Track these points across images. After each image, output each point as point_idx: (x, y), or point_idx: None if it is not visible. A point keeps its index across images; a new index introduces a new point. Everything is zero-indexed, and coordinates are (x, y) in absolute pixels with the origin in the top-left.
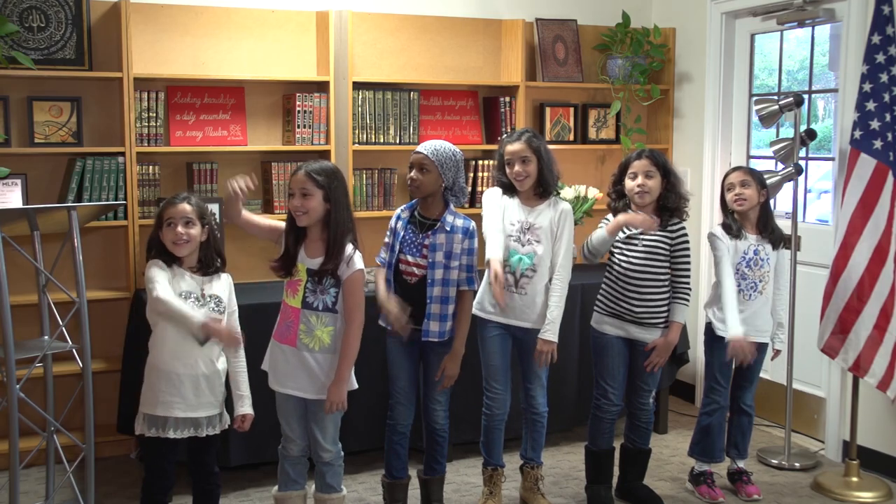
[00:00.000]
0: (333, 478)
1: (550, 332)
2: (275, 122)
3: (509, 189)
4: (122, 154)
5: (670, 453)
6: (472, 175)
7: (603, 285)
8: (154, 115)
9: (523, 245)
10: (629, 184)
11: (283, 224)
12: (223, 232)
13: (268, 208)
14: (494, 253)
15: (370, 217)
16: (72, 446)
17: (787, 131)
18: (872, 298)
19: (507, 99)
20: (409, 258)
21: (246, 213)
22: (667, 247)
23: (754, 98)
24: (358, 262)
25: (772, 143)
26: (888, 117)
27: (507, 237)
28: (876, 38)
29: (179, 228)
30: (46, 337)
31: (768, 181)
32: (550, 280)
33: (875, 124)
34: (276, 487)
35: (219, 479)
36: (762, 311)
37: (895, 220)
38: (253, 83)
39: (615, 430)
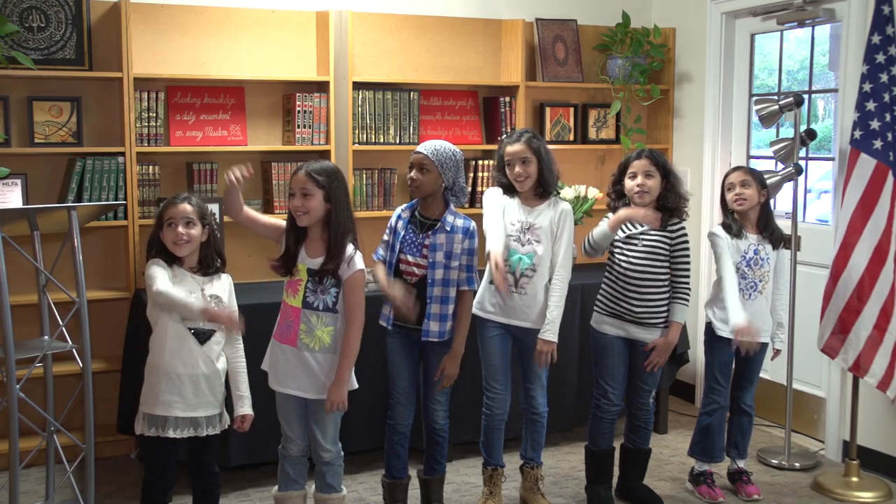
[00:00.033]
0: (333, 478)
1: (550, 332)
2: (275, 122)
3: (509, 189)
4: (122, 154)
5: (670, 453)
6: (472, 175)
7: (603, 285)
8: (154, 115)
9: (523, 245)
10: (629, 184)
11: (284, 223)
12: (223, 232)
13: (268, 208)
14: (495, 246)
15: (370, 217)
16: (72, 446)
17: (787, 131)
18: (872, 298)
19: (507, 99)
20: (410, 258)
21: (247, 210)
22: (667, 247)
23: (754, 98)
24: (359, 262)
25: (772, 143)
26: (888, 117)
27: (507, 237)
28: (876, 38)
29: (180, 229)
30: (46, 337)
31: (768, 181)
32: (550, 280)
33: (875, 124)
34: (276, 487)
35: (219, 479)
36: (762, 311)
37: (895, 220)
38: (253, 83)
39: (615, 430)
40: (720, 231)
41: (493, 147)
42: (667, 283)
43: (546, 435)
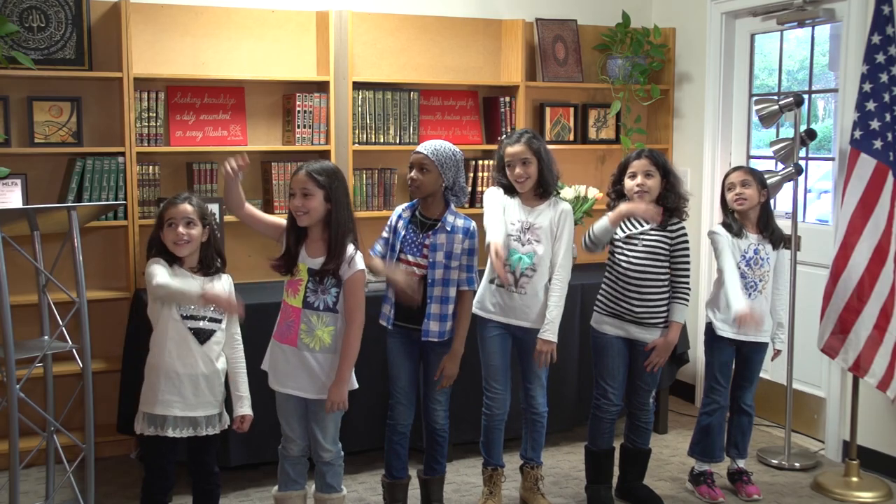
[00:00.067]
0: (333, 478)
1: (550, 332)
2: (275, 122)
3: (509, 190)
4: (122, 154)
5: (670, 453)
6: (472, 175)
7: (603, 285)
8: (154, 115)
9: (523, 245)
10: (628, 183)
11: (286, 221)
12: (223, 232)
13: (268, 208)
14: (496, 237)
15: (370, 217)
16: (72, 446)
17: (787, 131)
18: (872, 298)
19: (507, 99)
20: (410, 258)
21: (249, 207)
22: (667, 247)
23: (754, 98)
24: (359, 262)
25: (772, 143)
26: (888, 117)
27: (507, 236)
28: (876, 38)
29: (180, 229)
30: (46, 337)
31: (768, 181)
32: (550, 280)
33: (875, 124)
34: (276, 487)
35: (219, 479)
36: (762, 311)
37: (895, 220)
38: (253, 83)
39: (615, 430)
40: (720, 229)
41: (493, 147)
42: (667, 283)
43: (546, 435)
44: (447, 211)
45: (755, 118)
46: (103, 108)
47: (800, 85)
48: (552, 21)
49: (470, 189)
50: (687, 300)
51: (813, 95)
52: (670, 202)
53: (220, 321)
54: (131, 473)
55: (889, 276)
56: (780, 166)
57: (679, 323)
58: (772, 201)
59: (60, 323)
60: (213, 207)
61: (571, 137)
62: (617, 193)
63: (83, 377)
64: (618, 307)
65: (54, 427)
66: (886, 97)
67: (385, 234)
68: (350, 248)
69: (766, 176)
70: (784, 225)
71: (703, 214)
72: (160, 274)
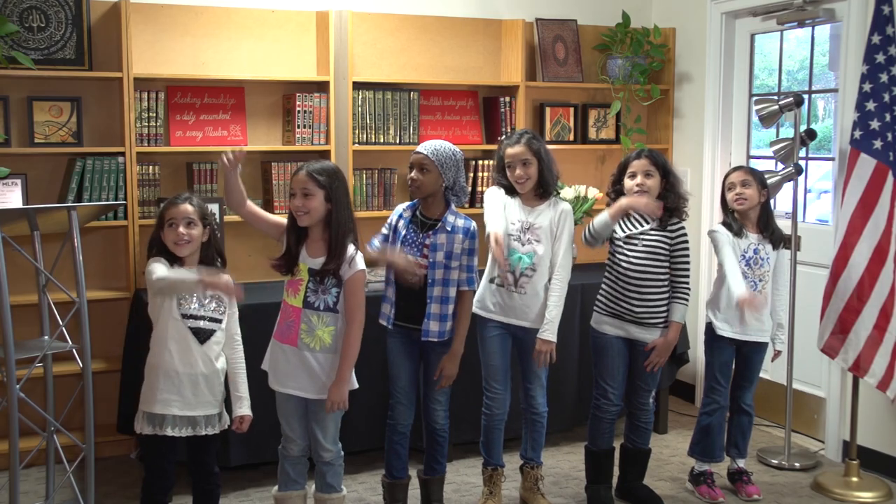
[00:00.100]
0: (334, 478)
1: (549, 332)
2: (275, 122)
3: (509, 191)
4: (122, 154)
5: (670, 453)
6: (472, 175)
7: (603, 285)
8: (154, 115)
9: (523, 245)
10: (628, 183)
11: (286, 221)
12: (223, 232)
13: (268, 208)
14: (496, 227)
15: (370, 217)
16: (72, 446)
17: (787, 131)
18: (872, 298)
19: (507, 99)
20: (410, 257)
21: (250, 205)
22: (667, 247)
23: (754, 98)
24: (360, 262)
25: (772, 143)
26: (888, 117)
27: (507, 236)
28: (876, 38)
29: (181, 229)
30: (46, 337)
31: (768, 181)
32: (550, 280)
33: (875, 124)
34: (276, 487)
35: (219, 479)
36: (762, 310)
37: (895, 220)
38: (253, 83)
39: (615, 430)
40: (720, 228)
41: (493, 147)
42: (667, 283)
43: (546, 435)
44: (448, 211)
45: (755, 118)
46: (103, 108)
47: (800, 85)
48: (552, 21)
49: (470, 189)
50: (687, 300)
51: (813, 95)
52: (670, 202)
53: (220, 321)
54: (131, 473)
55: (889, 276)
56: (780, 166)
57: (679, 323)
58: (772, 201)
59: (60, 323)
60: (214, 207)
61: (571, 137)
62: (617, 193)
63: (83, 377)
64: (618, 307)
65: (54, 427)
66: (886, 97)
67: (385, 231)
68: (350, 248)
69: (766, 176)
70: (784, 225)
71: (703, 214)
72: (159, 269)
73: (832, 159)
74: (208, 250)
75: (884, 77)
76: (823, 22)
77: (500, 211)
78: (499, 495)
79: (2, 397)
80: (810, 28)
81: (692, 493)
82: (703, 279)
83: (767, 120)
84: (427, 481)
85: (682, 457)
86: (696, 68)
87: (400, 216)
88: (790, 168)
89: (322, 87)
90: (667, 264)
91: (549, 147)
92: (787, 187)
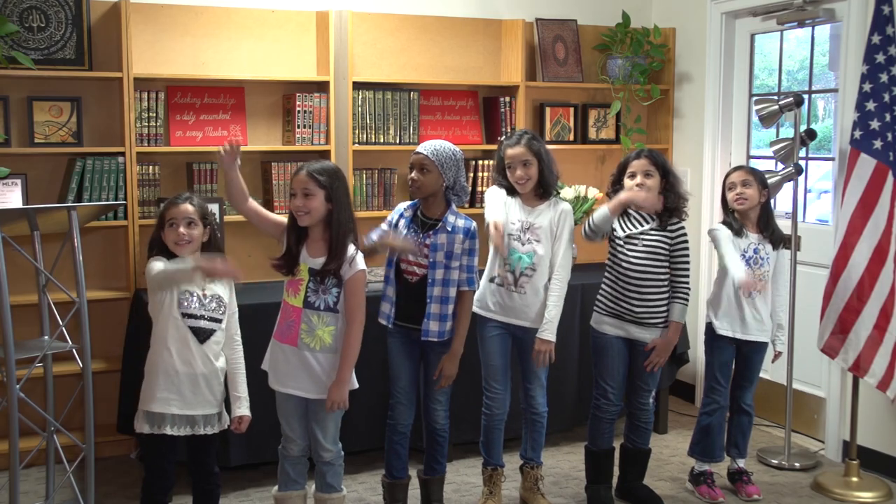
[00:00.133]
0: (334, 477)
1: (548, 332)
2: (275, 122)
3: (510, 191)
4: (122, 154)
5: (670, 453)
6: (471, 175)
7: (603, 285)
8: (154, 115)
9: (523, 244)
10: (628, 183)
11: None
12: (224, 232)
13: (268, 208)
14: (496, 216)
15: (370, 217)
16: (72, 446)
17: (787, 131)
18: (872, 298)
19: (507, 99)
20: (411, 257)
21: (252, 202)
22: (666, 247)
23: (754, 98)
24: (360, 262)
25: (772, 143)
26: (888, 117)
27: (507, 235)
28: (876, 38)
29: (181, 229)
30: (46, 337)
31: (768, 181)
32: (550, 279)
33: (875, 124)
34: (276, 487)
35: (219, 479)
36: (762, 309)
37: (895, 220)
38: (253, 83)
39: (615, 430)
40: (720, 226)
41: (493, 147)
42: (667, 282)
43: (546, 435)
44: (448, 211)
45: (755, 118)
46: (103, 108)
47: (800, 85)
48: (552, 21)
49: (470, 189)
50: (687, 300)
51: (813, 95)
52: (670, 202)
53: (220, 321)
54: (131, 473)
55: (889, 276)
56: (780, 166)
57: (679, 323)
58: (772, 201)
59: (60, 323)
60: (214, 207)
61: (571, 137)
62: (616, 193)
63: (83, 377)
64: (618, 307)
65: (54, 427)
66: (886, 97)
67: (384, 227)
68: (351, 248)
69: (766, 176)
70: (784, 225)
71: (703, 214)
72: (158, 265)
73: (832, 159)
74: (208, 250)
75: (884, 77)
76: (823, 22)
77: (501, 206)
78: (499, 495)
79: (2, 397)
80: (810, 28)
81: (692, 493)
82: (703, 279)
83: (767, 120)
84: (427, 481)
85: (682, 457)
86: (696, 68)
87: (401, 215)
88: (790, 168)
89: (322, 87)
90: (667, 264)
91: (549, 147)
92: (787, 187)
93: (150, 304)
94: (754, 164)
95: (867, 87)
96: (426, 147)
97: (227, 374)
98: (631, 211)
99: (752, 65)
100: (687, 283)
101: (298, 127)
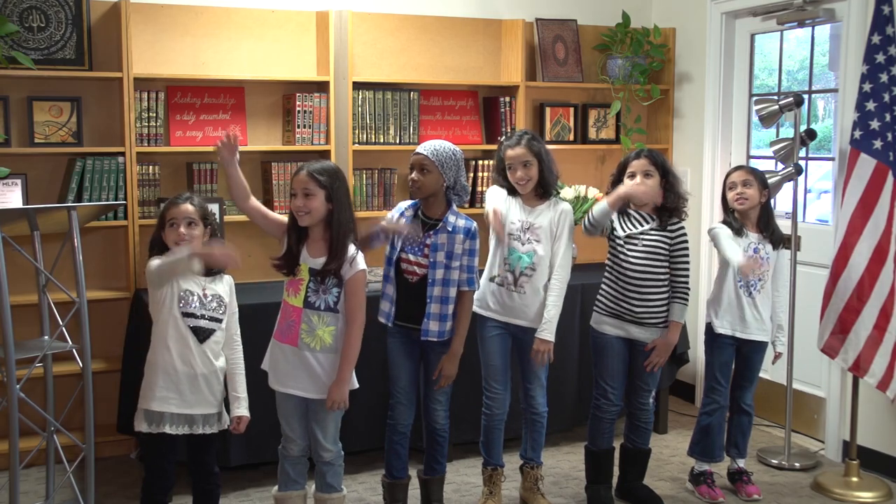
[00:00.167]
0: (334, 477)
1: (547, 332)
2: (275, 122)
3: (510, 192)
4: (122, 154)
5: (670, 453)
6: (471, 175)
7: (603, 285)
8: (154, 115)
9: (523, 244)
10: (628, 183)
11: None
12: (224, 232)
13: (268, 208)
14: (496, 205)
15: (370, 217)
16: (72, 446)
17: (787, 131)
18: (872, 298)
19: (507, 99)
20: (411, 257)
21: (254, 201)
22: (666, 247)
23: (754, 98)
24: (360, 262)
25: (772, 143)
26: (888, 117)
27: (507, 235)
28: (876, 38)
29: (182, 229)
30: (46, 337)
31: (768, 181)
32: (550, 279)
33: (875, 124)
34: (276, 487)
35: (219, 479)
36: (762, 308)
37: (895, 220)
38: (253, 83)
39: (615, 430)
40: (719, 225)
41: (493, 147)
42: (667, 282)
43: (546, 435)
44: (449, 211)
45: (755, 118)
46: (103, 108)
47: (800, 85)
48: (552, 21)
49: (470, 189)
50: (686, 300)
51: (813, 95)
52: (670, 202)
53: (220, 321)
54: (131, 473)
55: (889, 276)
56: (780, 166)
57: (679, 323)
58: (772, 201)
59: (60, 323)
60: (214, 207)
61: (571, 137)
62: None
63: (83, 377)
64: (618, 307)
65: (54, 427)
66: (886, 97)
67: (389, 215)
68: (351, 248)
69: (766, 176)
70: (784, 225)
71: (703, 214)
72: (156, 262)
73: (832, 159)
74: None
75: (884, 77)
76: (823, 22)
77: (503, 202)
78: (499, 495)
79: (2, 397)
80: (810, 28)
81: (692, 493)
82: (703, 279)
83: (767, 120)
84: (427, 481)
85: (682, 457)
86: (696, 68)
87: (402, 214)
88: (790, 168)
89: (322, 87)
90: (667, 264)
91: (549, 147)
92: (787, 187)
93: (151, 303)
94: (754, 164)
95: (867, 87)
96: (426, 147)
97: (227, 373)
98: (631, 211)
99: (752, 65)
100: (687, 283)
101: (298, 127)
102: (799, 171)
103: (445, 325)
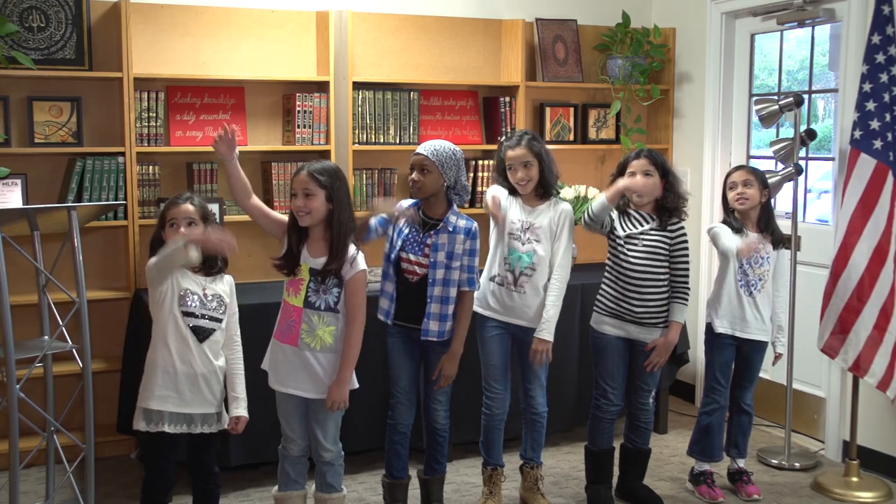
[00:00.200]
0: (334, 477)
1: (546, 332)
2: (275, 122)
3: (510, 192)
4: (122, 154)
5: (670, 453)
6: (472, 175)
7: (603, 285)
8: (154, 115)
9: (523, 244)
10: None
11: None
12: None
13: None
14: (494, 192)
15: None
16: (72, 446)
17: (787, 131)
18: (872, 298)
19: (507, 99)
20: (411, 257)
21: (256, 199)
22: (666, 247)
23: (754, 98)
24: (361, 262)
25: (772, 143)
26: (888, 117)
27: (507, 235)
28: (876, 38)
29: (182, 229)
30: (46, 337)
31: (768, 181)
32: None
33: (875, 124)
34: (276, 487)
35: (219, 479)
36: (763, 308)
37: (895, 220)
38: (253, 83)
39: (615, 430)
40: (719, 224)
41: (493, 147)
42: (667, 283)
43: (546, 435)
44: (449, 211)
45: (755, 118)
46: (103, 108)
47: (800, 85)
48: (552, 21)
49: (470, 188)
50: (686, 300)
51: (813, 95)
52: (669, 202)
53: (220, 321)
54: (131, 473)
55: (889, 276)
56: (780, 166)
57: (679, 323)
58: (772, 201)
59: (60, 323)
60: (214, 207)
61: (571, 137)
62: None
63: (83, 377)
64: (618, 307)
65: (54, 427)
66: (886, 97)
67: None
68: (352, 248)
69: (766, 176)
70: (784, 225)
71: (703, 214)
72: (154, 259)
73: (832, 159)
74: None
75: (884, 77)
76: (823, 22)
77: (504, 199)
78: (499, 495)
79: (2, 397)
80: (810, 28)
81: (692, 493)
82: (703, 279)
83: (767, 120)
84: (427, 481)
85: (682, 457)
86: (696, 68)
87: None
88: (790, 168)
89: (322, 87)
90: (667, 264)
91: (549, 147)
92: (787, 187)
93: (151, 302)
94: (754, 164)
95: (867, 87)
96: (426, 147)
97: (226, 373)
98: (631, 211)
99: (752, 65)
100: (687, 283)
101: (298, 127)
102: (799, 171)
103: (445, 325)
